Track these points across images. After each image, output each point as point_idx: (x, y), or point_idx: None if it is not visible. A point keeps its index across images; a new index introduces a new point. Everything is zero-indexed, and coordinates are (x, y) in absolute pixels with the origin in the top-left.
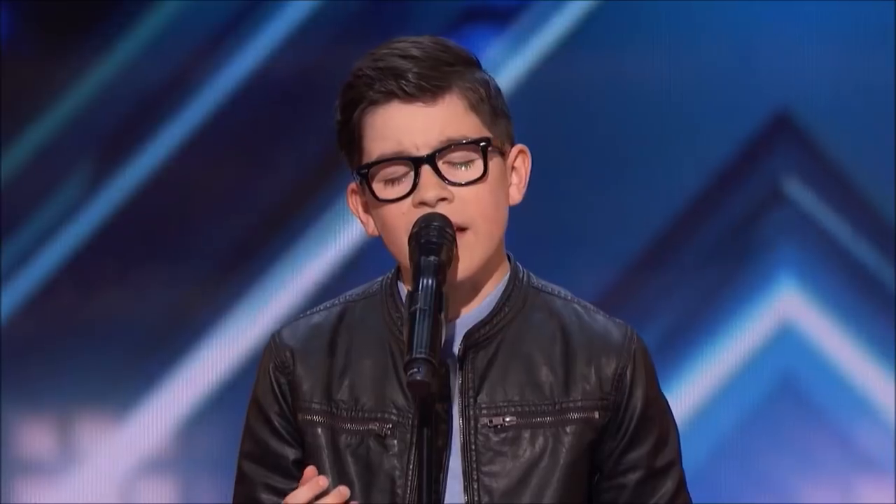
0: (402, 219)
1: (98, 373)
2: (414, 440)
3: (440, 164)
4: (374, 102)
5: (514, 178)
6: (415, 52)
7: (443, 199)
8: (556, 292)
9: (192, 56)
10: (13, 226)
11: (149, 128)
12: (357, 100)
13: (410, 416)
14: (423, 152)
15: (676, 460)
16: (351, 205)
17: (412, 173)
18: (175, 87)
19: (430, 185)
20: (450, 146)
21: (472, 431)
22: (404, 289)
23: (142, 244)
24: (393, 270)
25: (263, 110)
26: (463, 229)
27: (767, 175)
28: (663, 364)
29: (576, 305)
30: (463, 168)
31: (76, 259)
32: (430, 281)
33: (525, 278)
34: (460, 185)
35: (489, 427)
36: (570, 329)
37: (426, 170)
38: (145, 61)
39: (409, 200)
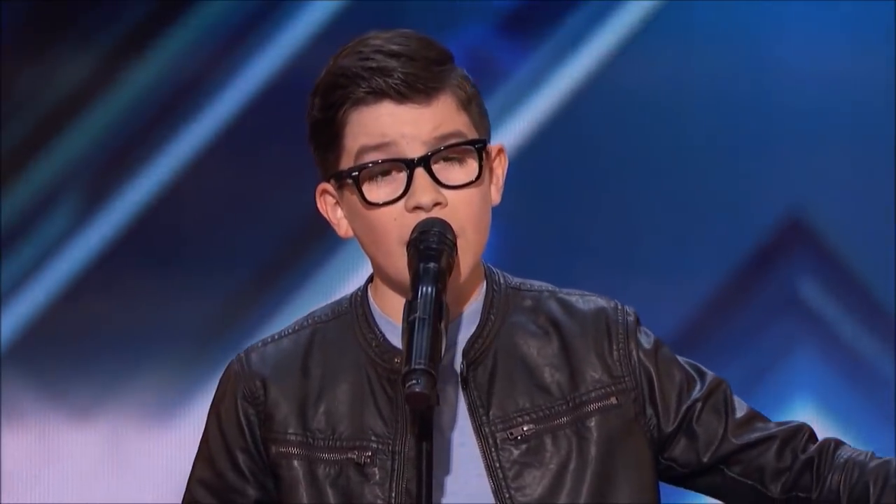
0: (393, 224)
1: (140, 392)
2: (396, 466)
3: (433, 164)
4: (362, 101)
5: (493, 179)
6: (401, 49)
7: (437, 204)
8: (537, 287)
9: (209, 59)
10: (18, 236)
11: (163, 136)
12: (342, 99)
13: (391, 442)
14: (416, 153)
15: (714, 376)
16: (320, 206)
17: (404, 175)
18: (190, 93)
19: (425, 188)
20: (444, 147)
21: (493, 449)
22: (376, 306)
23: (157, 258)
24: (362, 287)
25: (284, 116)
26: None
27: (781, 280)
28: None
29: (560, 295)
30: (457, 165)
31: (85, 272)
32: (429, 289)
33: (502, 280)
34: (454, 187)
35: (509, 441)
36: (561, 322)
37: (420, 172)
38: (160, 65)
39: (401, 204)
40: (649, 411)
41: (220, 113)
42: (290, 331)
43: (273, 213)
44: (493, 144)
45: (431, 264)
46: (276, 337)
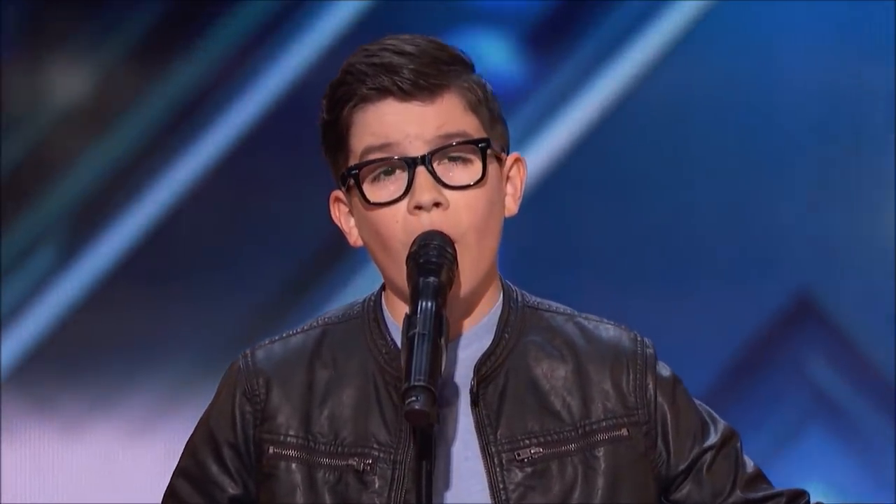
0: (396, 226)
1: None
2: (396, 476)
3: (435, 164)
4: (366, 99)
5: (510, 188)
6: (410, 48)
7: (438, 205)
8: (555, 308)
9: (227, 65)
10: (26, 251)
11: (174, 150)
12: (347, 96)
13: (392, 451)
14: (419, 152)
15: (728, 426)
16: (333, 214)
17: (405, 174)
18: (207, 96)
19: (424, 187)
20: (446, 146)
21: (498, 469)
22: (388, 313)
23: (170, 278)
24: (376, 292)
25: (305, 124)
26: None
27: (790, 359)
28: None
29: (578, 319)
30: (461, 166)
31: (94, 291)
32: (429, 303)
33: (519, 298)
34: (456, 188)
35: (515, 462)
36: (578, 345)
37: (421, 171)
38: (177, 67)
39: (402, 205)
40: (660, 447)
41: (234, 124)
42: (298, 330)
43: (293, 230)
44: (512, 154)
45: (431, 278)
46: (285, 335)
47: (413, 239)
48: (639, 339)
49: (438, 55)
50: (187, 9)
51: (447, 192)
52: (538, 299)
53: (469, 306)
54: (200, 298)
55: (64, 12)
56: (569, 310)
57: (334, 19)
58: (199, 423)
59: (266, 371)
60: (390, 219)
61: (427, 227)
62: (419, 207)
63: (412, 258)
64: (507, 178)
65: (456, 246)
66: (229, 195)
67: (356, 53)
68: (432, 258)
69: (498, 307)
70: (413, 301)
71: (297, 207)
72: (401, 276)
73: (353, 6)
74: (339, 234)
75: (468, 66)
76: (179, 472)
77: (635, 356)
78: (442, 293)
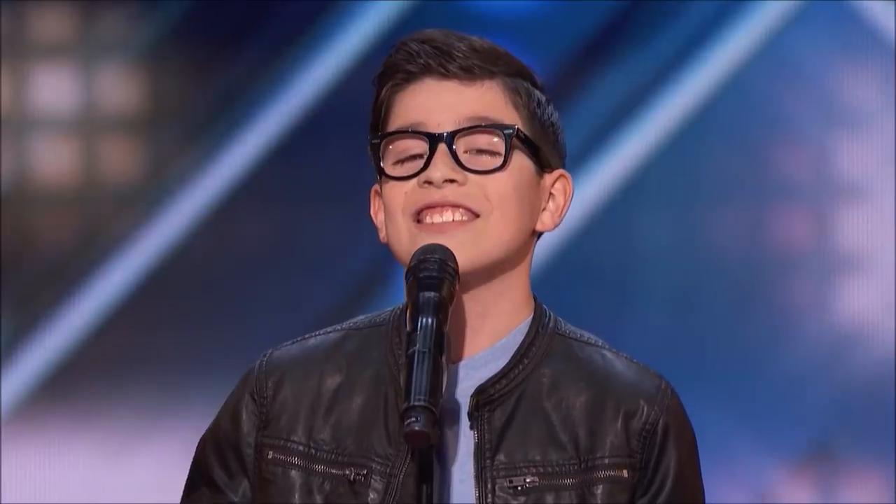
0: (402, 198)
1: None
2: (389, 490)
3: (461, 150)
4: (408, 78)
5: (551, 205)
6: (469, 36)
7: (451, 181)
8: (586, 339)
9: (251, 64)
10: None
11: (189, 168)
12: (390, 73)
13: (390, 464)
14: (444, 130)
15: None
16: (372, 209)
17: (428, 153)
18: (226, 106)
19: (440, 164)
20: (473, 127)
21: (490, 495)
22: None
23: (177, 310)
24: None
25: (330, 139)
26: (474, 216)
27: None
28: None
29: (606, 352)
30: (486, 158)
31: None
32: (429, 320)
33: (551, 323)
34: (476, 171)
35: (508, 489)
36: (598, 377)
37: (441, 149)
38: (193, 71)
39: (415, 179)
40: (644, 501)
41: (260, 139)
42: (319, 332)
43: (327, 261)
44: (557, 170)
45: (431, 294)
46: (305, 337)
47: (416, 210)
48: (664, 385)
49: (495, 48)
50: (188, 17)
51: (467, 174)
52: (572, 328)
53: (482, 318)
54: (208, 318)
55: (53, 21)
56: (601, 341)
57: (370, 22)
58: (213, 420)
59: (277, 373)
60: (399, 191)
61: (437, 201)
62: (429, 183)
63: (412, 272)
64: (550, 194)
65: (478, 220)
66: (242, 221)
67: (412, 34)
68: (433, 273)
69: (522, 329)
70: (413, 318)
71: (329, 239)
72: (401, 246)
73: (395, 6)
74: (370, 270)
75: (526, 74)
76: (207, 439)
77: (653, 400)
78: (443, 309)
